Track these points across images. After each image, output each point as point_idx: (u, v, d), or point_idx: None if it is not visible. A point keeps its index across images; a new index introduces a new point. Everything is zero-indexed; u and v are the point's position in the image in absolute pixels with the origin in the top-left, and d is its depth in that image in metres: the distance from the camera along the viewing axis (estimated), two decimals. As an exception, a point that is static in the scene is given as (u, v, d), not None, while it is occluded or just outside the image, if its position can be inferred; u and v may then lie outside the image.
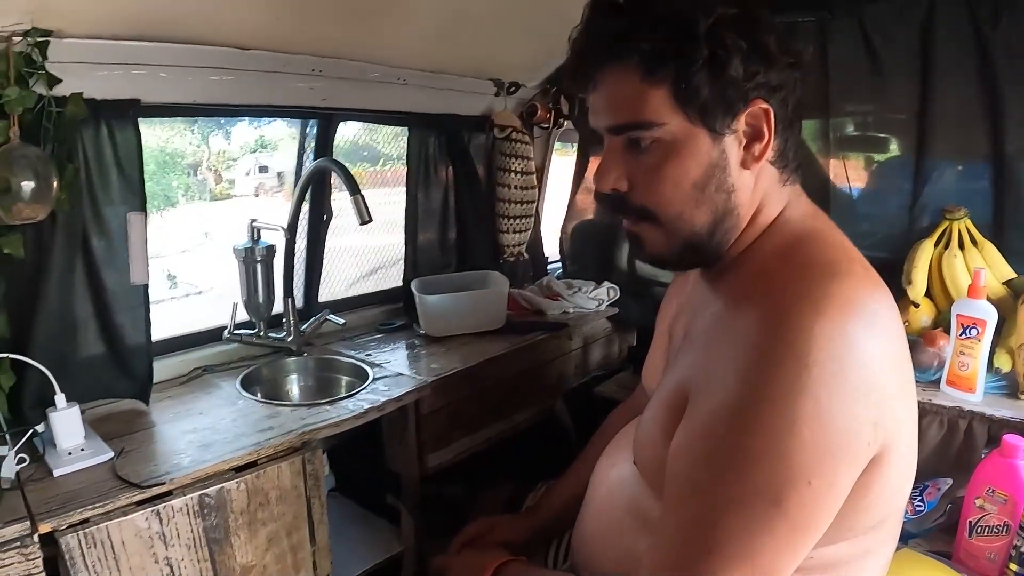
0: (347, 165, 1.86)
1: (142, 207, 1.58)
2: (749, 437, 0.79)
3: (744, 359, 0.82)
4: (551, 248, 3.08)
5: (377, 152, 2.69)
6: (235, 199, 3.67)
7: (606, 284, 2.60)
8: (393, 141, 2.52)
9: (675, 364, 1.02)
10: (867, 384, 0.79)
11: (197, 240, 3.71)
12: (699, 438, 0.85)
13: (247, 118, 2.54)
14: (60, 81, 1.39)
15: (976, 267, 1.69)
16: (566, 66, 1.00)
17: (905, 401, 0.87)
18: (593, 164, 2.70)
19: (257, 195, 3.46)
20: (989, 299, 1.62)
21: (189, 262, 3.71)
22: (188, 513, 1.31)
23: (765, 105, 0.90)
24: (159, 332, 1.81)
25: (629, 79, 0.89)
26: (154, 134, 3.07)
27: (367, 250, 2.58)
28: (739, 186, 0.93)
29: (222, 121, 3.25)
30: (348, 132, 2.61)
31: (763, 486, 0.77)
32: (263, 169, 3.33)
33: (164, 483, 1.29)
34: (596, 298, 2.52)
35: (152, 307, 1.66)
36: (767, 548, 0.78)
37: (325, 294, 2.31)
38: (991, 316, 1.57)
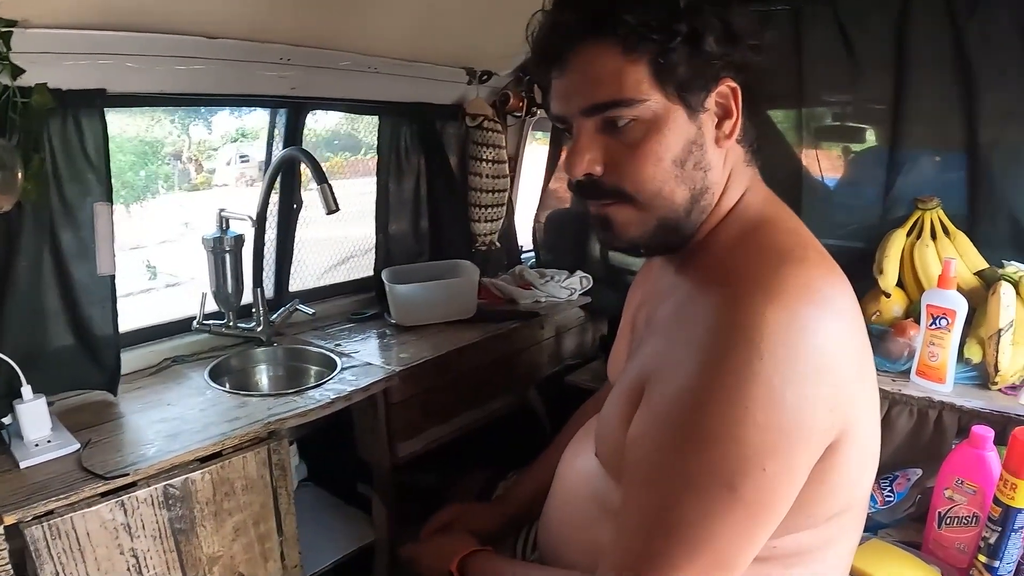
0: (328, 154, 1.85)
1: (108, 197, 1.57)
2: (703, 422, 0.79)
3: (698, 346, 0.83)
4: (525, 237, 3.07)
5: (358, 141, 2.68)
6: (216, 189, 3.65)
7: (579, 273, 2.61)
8: (374, 130, 2.51)
9: (636, 354, 1.02)
10: (821, 369, 0.79)
11: (177, 230, 3.70)
12: (654, 424, 0.86)
13: (227, 107, 2.52)
14: (24, 71, 1.37)
15: (947, 257, 1.69)
16: (535, 45, 0.98)
17: (864, 387, 0.88)
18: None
19: (238, 184, 3.44)
20: (960, 289, 1.62)
21: (169, 253, 3.69)
22: (153, 504, 1.31)
23: (734, 84, 0.92)
24: (135, 323, 1.80)
25: (609, 54, 0.88)
26: (133, 123, 3.05)
27: (346, 240, 2.57)
28: (714, 164, 0.95)
29: (202, 110, 3.23)
30: (329, 121, 2.60)
31: (718, 471, 0.78)
32: (244, 158, 3.31)
33: (128, 474, 1.28)
34: (569, 287, 2.52)
35: (131, 298, 1.65)
36: (724, 534, 0.79)
37: (296, 284, 2.30)
38: (961, 306, 1.57)
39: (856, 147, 2.11)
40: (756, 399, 0.77)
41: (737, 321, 0.80)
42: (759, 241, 0.92)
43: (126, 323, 1.69)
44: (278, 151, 2.08)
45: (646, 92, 0.88)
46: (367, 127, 2.56)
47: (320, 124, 2.63)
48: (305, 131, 2.15)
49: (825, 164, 2.07)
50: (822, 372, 0.79)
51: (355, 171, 2.67)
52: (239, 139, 3.16)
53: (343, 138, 2.71)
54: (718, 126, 0.93)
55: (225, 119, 3.15)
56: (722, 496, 0.78)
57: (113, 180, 1.58)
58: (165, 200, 3.68)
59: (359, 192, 2.46)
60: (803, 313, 0.79)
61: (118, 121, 2.96)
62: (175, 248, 3.70)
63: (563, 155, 0.94)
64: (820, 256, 0.88)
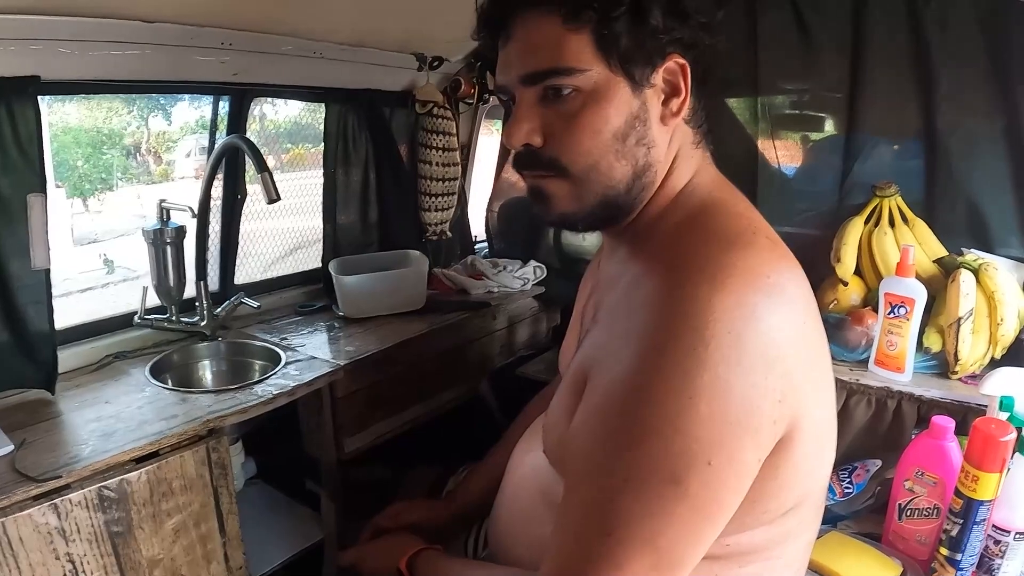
0: (289, 145, 1.80)
1: (42, 188, 1.51)
2: (644, 413, 0.76)
3: (640, 333, 0.80)
4: (478, 227, 3.04)
5: (319, 132, 2.64)
6: (176, 181, 3.60)
7: (532, 263, 2.59)
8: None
9: (583, 345, 0.99)
10: (770, 358, 0.76)
11: (136, 223, 3.65)
12: (594, 415, 0.83)
13: (169, 94, 2.46)
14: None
15: (905, 244, 1.67)
16: (480, 15, 0.96)
17: (817, 376, 0.85)
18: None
19: (198, 176, 3.40)
20: (919, 277, 1.61)
21: (127, 247, 3.64)
22: (87, 507, 1.26)
23: (682, 60, 0.89)
24: (76, 318, 1.75)
25: (550, 23, 0.86)
26: (90, 114, 2.99)
27: (306, 231, 2.53)
28: (658, 141, 0.92)
29: (162, 100, 3.18)
30: (290, 111, 2.55)
31: (660, 464, 0.75)
32: (204, 151, 3.26)
33: (60, 476, 1.24)
34: (522, 277, 2.50)
35: (88, 293, 1.59)
36: (668, 530, 0.75)
37: (244, 276, 2.26)
38: (920, 295, 1.56)
39: (813, 133, 2.09)
40: (700, 389, 0.73)
41: (681, 308, 0.77)
42: (706, 225, 0.89)
43: (69, 318, 1.63)
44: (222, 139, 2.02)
45: (587, 62, 0.86)
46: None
47: (281, 115, 2.58)
48: (265, 121, 2.11)
49: (782, 151, 2.06)
50: (771, 361, 0.76)
51: (317, 162, 2.63)
52: (199, 131, 3.11)
53: (305, 128, 2.67)
54: (665, 103, 0.91)
55: (185, 110, 3.10)
56: (665, 491, 0.74)
57: (69, 173, 1.52)
58: (124, 193, 3.64)
59: (320, 183, 2.41)
60: (750, 300, 0.76)
61: (75, 112, 2.90)
62: (133, 242, 3.66)
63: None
64: (770, 241, 0.85)
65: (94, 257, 3.60)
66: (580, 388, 0.89)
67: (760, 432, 0.77)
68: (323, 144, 2.30)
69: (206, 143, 2.51)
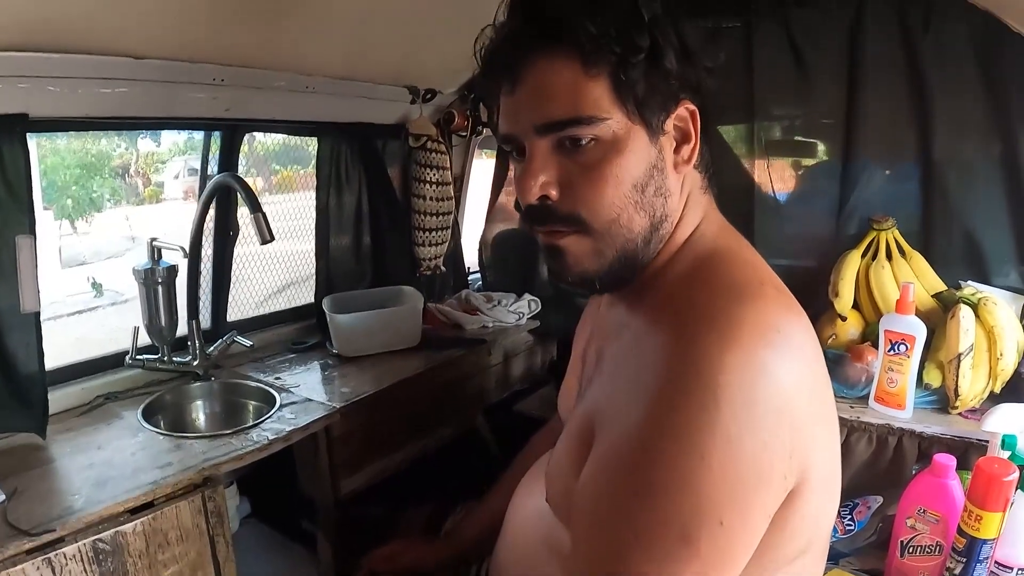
0: (277, 167, 1.78)
1: (31, 230, 1.48)
2: (654, 470, 0.74)
3: (650, 388, 0.78)
4: (471, 258, 3.02)
5: (307, 153, 2.63)
6: (165, 203, 3.58)
7: (527, 296, 2.57)
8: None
9: (586, 392, 0.98)
10: (780, 414, 0.75)
11: (124, 245, 3.62)
12: (602, 471, 0.81)
13: (160, 130, 2.44)
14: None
15: (905, 281, 1.67)
16: (486, 58, 0.92)
17: (824, 426, 0.83)
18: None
19: (187, 198, 3.38)
20: (918, 312, 1.60)
21: (115, 269, 3.62)
22: (82, 560, 1.23)
23: (692, 106, 0.88)
24: (82, 343, 1.72)
25: (568, 69, 0.83)
26: (79, 136, 2.97)
27: (291, 255, 2.52)
28: (673, 190, 0.90)
29: (150, 122, 3.16)
30: (278, 134, 2.53)
31: (672, 523, 0.73)
32: (193, 172, 3.25)
33: (55, 529, 1.21)
34: (516, 311, 2.48)
35: (75, 317, 1.57)
36: None
37: (236, 308, 2.23)
38: (920, 332, 1.55)
39: (809, 163, 2.09)
40: (712, 447, 0.72)
41: (691, 364, 0.75)
42: (712, 275, 0.87)
43: (71, 344, 1.61)
44: (214, 173, 2.01)
45: (607, 110, 0.83)
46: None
47: (269, 137, 2.56)
48: (254, 144, 2.09)
49: (778, 181, 2.05)
50: (780, 417, 0.75)
51: (306, 185, 2.62)
52: (188, 152, 3.09)
53: (292, 150, 2.65)
54: (676, 150, 0.89)
55: (173, 132, 3.08)
56: (676, 550, 0.73)
57: (58, 195, 1.49)
58: (112, 215, 3.62)
59: (310, 206, 2.40)
60: (760, 355, 0.75)
61: (62, 134, 2.88)
62: (121, 264, 3.63)
63: (510, 174, 0.89)
64: (776, 291, 0.84)
65: (82, 280, 3.58)
66: (587, 440, 0.87)
67: (771, 488, 0.76)
68: (315, 176, 2.28)
69: (195, 164, 2.49)
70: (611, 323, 1.02)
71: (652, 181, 0.87)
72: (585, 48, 0.81)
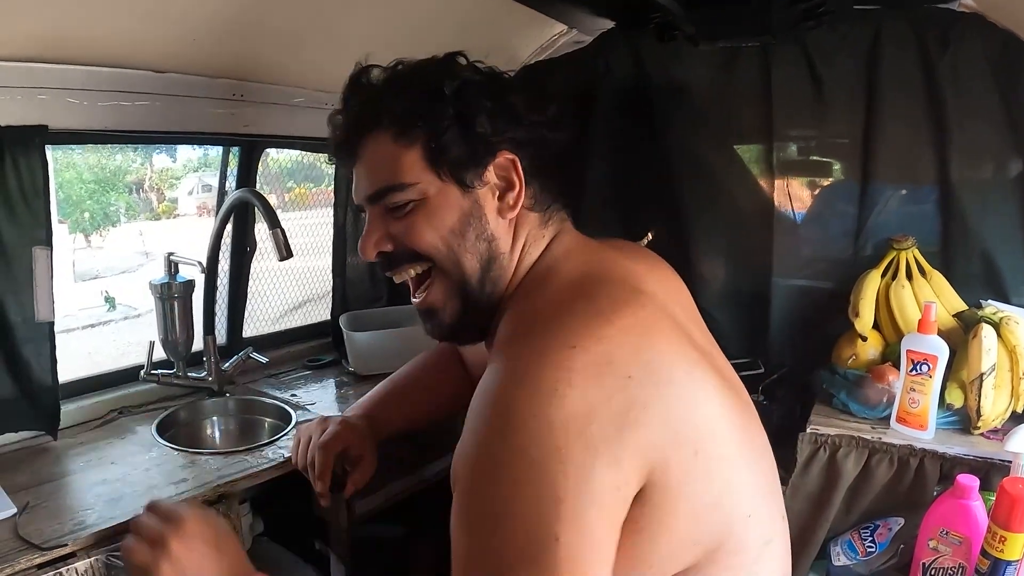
0: (291, 184, 1.80)
1: (48, 241, 1.49)
2: (483, 506, 0.82)
3: (468, 432, 0.87)
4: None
5: (320, 171, 2.64)
6: (178, 218, 3.60)
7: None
8: (338, 160, 2.46)
9: None
10: (584, 431, 0.79)
11: (138, 260, 3.64)
12: (455, 515, 0.86)
13: (178, 144, 2.46)
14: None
15: (926, 300, 1.66)
16: (332, 141, 1.08)
17: (680, 417, 0.86)
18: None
19: (200, 214, 3.40)
20: (939, 331, 1.58)
21: (128, 284, 3.63)
22: (93, 576, 1.22)
23: (511, 156, 0.99)
24: (93, 357, 1.72)
25: (384, 143, 0.98)
26: (95, 151, 2.99)
27: (306, 271, 2.54)
28: (498, 234, 1.01)
29: (166, 138, 3.18)
30: (292, 151, 2.54)
31: (515, 549, 0.77)
32: (207, 188, 3.26)
33: (66, 544, 1.20)
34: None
35: (88, 330, 1.58)
36: None
37: (252, 327, 2.24)
38: (942, 352, 1.54)
39: (826, 183, 2.08)
40: (518, 475, 0.78)
41: (492, 401, 0.84)
42: (526, 305, 0.99)
43: (83, 358, 1.61)
44: (232, 187, 2.03)
45: (418, 175, 0.97)
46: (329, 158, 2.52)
47: (283, 154, 2.58)
48: (268, 160, 2.10)
49: (796, 201, 2.04)
50: (585, 434, 0.79)
51: (319, 202, 2.64)
52: (202, 168, 3.11)
53: (306, 168, 2.67)
54: (500, 198, 1.01)
55: (188, 148, 3.09)
56: (529, 572, 0.76)
57: (72, 209, 1.51)
58: (126, 229, 3.64)
59: (321, 223, 2.44)
60: (548, 379, 0.80)
61: (79, 149, 2.89)
62: (134, 279, 3.65)
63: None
64: (588, 301, 0.91)
65: (95, 294, 3.59)
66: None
67: (603, 499, 0.79)
68: (332, 194, 2.30)
69: (208, 180, 2.48)
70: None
71: (471, 228, 0.99)
72: (397, 124, 0.97)
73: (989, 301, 1.71)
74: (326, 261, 2.36)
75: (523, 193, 1.00)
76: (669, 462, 0.83)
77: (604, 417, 0.79)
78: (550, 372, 0.80)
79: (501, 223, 1.01)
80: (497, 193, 1.00)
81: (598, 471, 0.78)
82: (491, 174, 0.99)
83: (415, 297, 1.08)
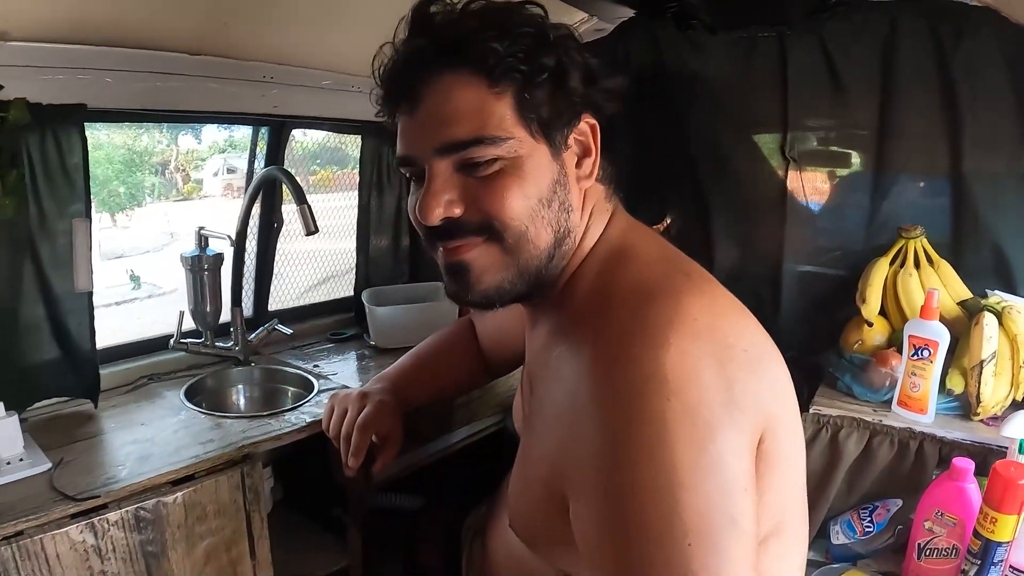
0: (315, 167, 1.83)
1: (87, 213, 1.55)
2: (644, 513, 0.70)
3: (597, 437, 0.76)
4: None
5: (346, 155, 2.67)
6: (203, 199, 3.65)
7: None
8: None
9: (532, 431, 1.00)
10: (729, 407, 0.74)
11: (163, 240, 3.69)
12: (594, 526, 0.76)
13: (209, 123, 2.50)
14: (2, 87, 1.35)
15: (930, 287, 1.69)
16: (384, 78, 0.93)
17: (781, 397, 0.83)
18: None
19: (225, 195, 3.44)
20: (943, 319, 1.61)
21: (153, 263, 3.69)
22: (124, 527, 1.28)
23: (592, 120, 0.90)
24: (116, 335, 1.77)
25: (468, 86, 0.84)
26: (122, 131, 3.04)
27: (329, 254, 2.56)
28: (575, 205, 0.92)
29: (194, 119, 3.23)
30: (317, 134, 2.58)
31: (697, 542, 0.69)
32: (232, 170, 3.30)
33: (99, 496, 1.26)
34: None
35: (113, 308, 1.62)
36: (733, 566, 0.69)
37: (277, 299, 2.29)
38: (943, 337, 1.57)
39: (840, 172, 2.10)
40: (684, 460, 0.70)
41: (622, 387, 0.74)
42: (616, 279, 0.88)
43: (106, 336, 1.66)
44: (260, 167, 2.08)
45: (510, 129, 0.84)
46: (355, 141, 2.56)
47: (309, 137, 2.62)
48: (293, 143, 2.14)
49: (810, 189, 2.06)
50: (728, 407, 0.74)
51: (341, 185, 2.66)
52: (227, 150, 3.14)
53: (331, 152, 2.70)
54: (578, 165, 0.91)
55: (213, 130, 3.14)
56: (727, 528, 0.69)
57: (99, 189, 1.55)
58: (151, 209, 3.68)
59: (344, 206, 2.45)
60: (690, 347, 0.75)
61: (106, 129, 2.95)
62: (159, 258, 3.70)
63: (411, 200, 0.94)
64: (686, 276, 0.85)
65: (120, 272, 3.65)
66: (554, 494, 0.84)
67: (750, 471, 0.75)
68: (358, 175, 2.33)
69: (233, 163, 2.54)
70: (536, 348, 1.04)
71: (556, 196, 0.88)
72: (492, 67, 0.83)
73: (995, 291, 1.73)
74: (348, 244, 2.40)
75: (597, 161, 0.91)
76: (776, 432, 0.79)
77: (736, 391, 0.75)
78: (687, 346, 0.74)
79: (577, 192, 0.91)
80: (575, 160, 0.91)
81: (741, 444, 0.74)
82: (572, 138, 0.89)
83: (445, 244, 0.91)
